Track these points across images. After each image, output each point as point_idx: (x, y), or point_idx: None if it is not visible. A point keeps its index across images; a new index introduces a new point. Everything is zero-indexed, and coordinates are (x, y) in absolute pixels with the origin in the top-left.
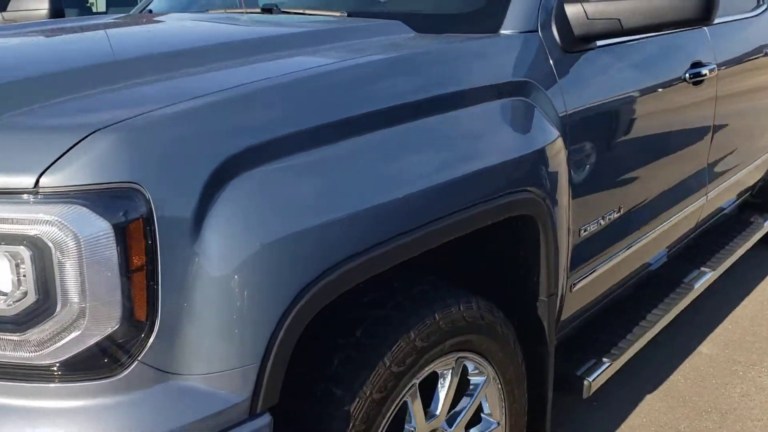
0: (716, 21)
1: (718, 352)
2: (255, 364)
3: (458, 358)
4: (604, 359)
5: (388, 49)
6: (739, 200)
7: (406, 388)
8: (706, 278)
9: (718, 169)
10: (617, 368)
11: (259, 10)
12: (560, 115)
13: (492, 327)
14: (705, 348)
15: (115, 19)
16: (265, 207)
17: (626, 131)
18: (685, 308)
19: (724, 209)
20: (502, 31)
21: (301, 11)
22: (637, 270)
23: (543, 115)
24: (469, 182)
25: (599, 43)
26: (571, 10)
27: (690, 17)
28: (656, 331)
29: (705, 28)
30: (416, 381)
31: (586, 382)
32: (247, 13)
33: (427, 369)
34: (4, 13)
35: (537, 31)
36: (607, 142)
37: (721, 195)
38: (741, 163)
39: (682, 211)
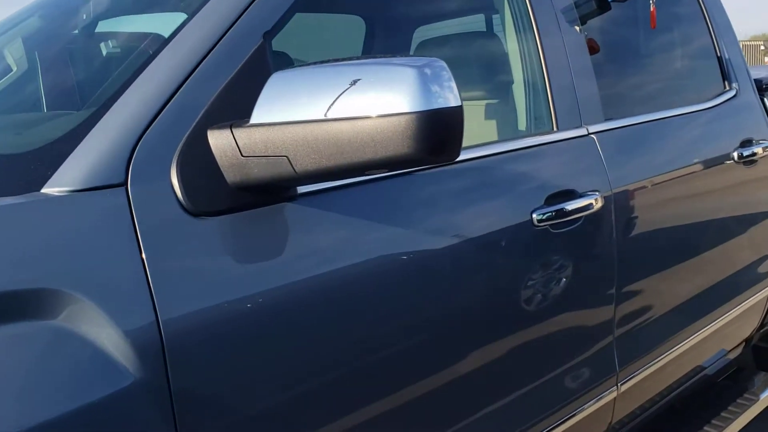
0: (640, 118)
1: None
2: None
3: None
4: None
5: None
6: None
7: None
8: None
9: (642, 339)
10: None
11: None
12: (145, 343)
13: None
14: None
15: None
16: None
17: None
18: None
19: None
20: (47, 189)
21: None
22: None
23: (89, 351)
24: None
25: (311, 188)
26: (218, 141)
27: (408, 154)
28: None
29: (593, 137)
30: None
31: None
32: None
33: None
34: None
35: (124, 185)
36: (281, 367)
37: (662, 372)
38: (707, 316)
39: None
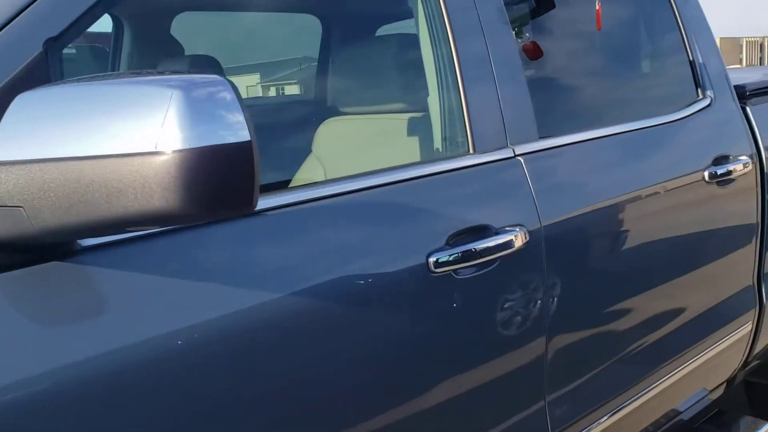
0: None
1: None
2: None
3: None
4: None
5: None
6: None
7: None
8: None
9: (583, 397)
10: None
11: None
12: None
13: None
14: None
15: None
16: None
17: None
18: None
19: None
20: None
21: None
22: None
23: None
24: None
25: (105, 238)
26: None
27: (167, 210)
28: None
29: (520, 159)
30: None
31: None
32: None
33: None
34: None
35: None
36: None
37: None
38: (672, 360)
39: None
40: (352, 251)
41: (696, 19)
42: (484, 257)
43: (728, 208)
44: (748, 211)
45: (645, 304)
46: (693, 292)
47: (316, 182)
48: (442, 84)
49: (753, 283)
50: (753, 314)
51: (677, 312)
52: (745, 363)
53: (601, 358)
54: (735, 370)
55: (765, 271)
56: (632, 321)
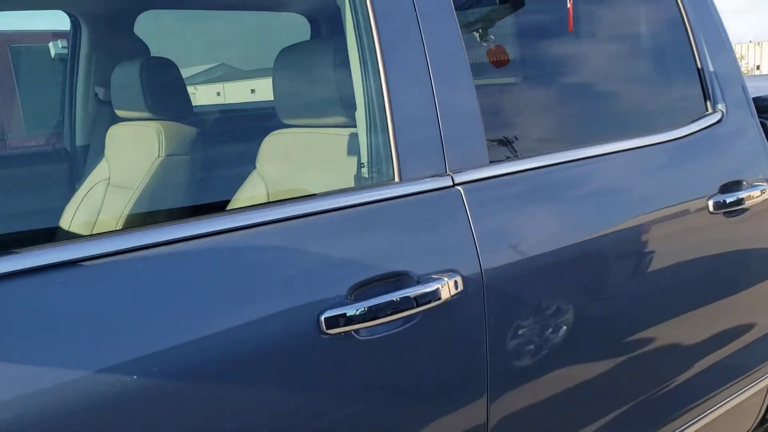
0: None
1: None
2: None
3: None
4: None
5: None
6: None
7: None
8: None
9: None
10: None
11: None
12: None
13: None
14: None
15: None
16: None
17: None
18: None
19: None
20: None
21: None
22: None
23: None
24: None
25: None
26: None
27: None
28: None
29: (459, 189)
30: None
31: None
32: None
33: None
34: None
35: None
36: None
37: None
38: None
39: None
40: (216, 307)
41: (707, 20)
42: (395, 313)
43: (739, 244)
44: (765, 246)
45: (628, 358)
46: (694, 344)
47: (190, 218)
48: (367, 93)
49: None
50: None
51: (674, 367)
52: (762, 420)
53: (571, 425)
54: (750, 429)
55: None
56: (612, 378)
